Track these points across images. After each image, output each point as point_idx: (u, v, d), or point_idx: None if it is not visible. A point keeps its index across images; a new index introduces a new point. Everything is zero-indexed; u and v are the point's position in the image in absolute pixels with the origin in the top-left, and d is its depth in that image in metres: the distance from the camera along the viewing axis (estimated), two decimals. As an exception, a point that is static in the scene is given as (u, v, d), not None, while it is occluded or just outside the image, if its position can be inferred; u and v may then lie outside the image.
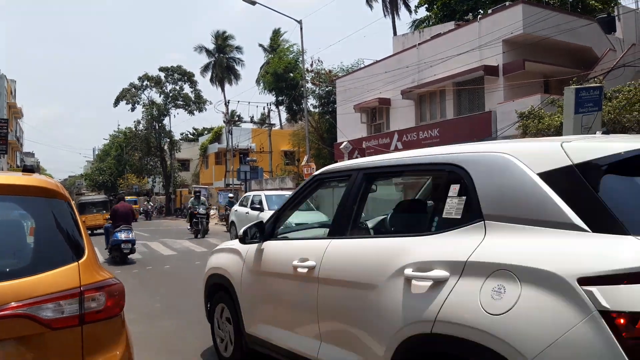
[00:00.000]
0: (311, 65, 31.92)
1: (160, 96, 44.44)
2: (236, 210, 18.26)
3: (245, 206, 17.45)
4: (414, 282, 2.38)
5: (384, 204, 6.06)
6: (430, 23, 29.18)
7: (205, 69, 53.00)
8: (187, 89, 44.84)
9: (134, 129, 46.92)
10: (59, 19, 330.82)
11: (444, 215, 2.51)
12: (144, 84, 44.13)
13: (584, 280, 1.77)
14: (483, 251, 2.18)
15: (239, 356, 4.23)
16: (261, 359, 4.02)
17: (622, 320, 1.67)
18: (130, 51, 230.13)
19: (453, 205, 2.46)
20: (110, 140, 65.77)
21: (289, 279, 3.43)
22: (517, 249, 2.08)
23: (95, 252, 2.55)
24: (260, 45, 48.65)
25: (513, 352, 1.90)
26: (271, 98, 39.43)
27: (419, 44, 21.88)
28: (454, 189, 2.49)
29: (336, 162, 27.97)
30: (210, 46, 52.75)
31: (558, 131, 12.74)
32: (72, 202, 2.59)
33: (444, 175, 2.71)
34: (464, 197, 2.41)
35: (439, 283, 2.26)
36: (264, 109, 46.45)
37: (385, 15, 38.84)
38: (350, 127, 25.89)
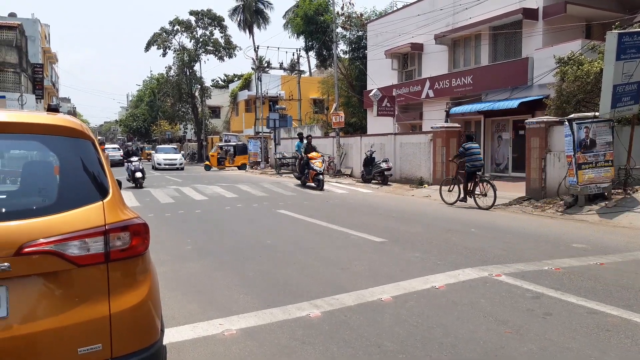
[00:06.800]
0: (342, 8, 31.03)
1: (190, 41, 44.23)
2: None
3: None
4: None
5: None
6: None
7: (234, 12, 52.06)
8: (217, 34, 44.43)
9: (165, 75, 47.11)
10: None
11: None
12: (175, 28, 43.82)
13: None
14: None
15: None
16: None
17: None
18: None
19: None
20: (143, 86, 66.30)
21: None
22: None
23: (120, 192, 2.60)
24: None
25: None
26: (300, 43, 38.70)
27: (455, -15, 20.91)
28: None
29: (365, 110, 27.65)
30: (239, -12, 51.45)
31: (597, 78, 12.18)
32: (97, 142, 2.61)
33: None
34: None
35: None
36: (293, 54, 45.72)
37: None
38: (380, 74, 25.34)
